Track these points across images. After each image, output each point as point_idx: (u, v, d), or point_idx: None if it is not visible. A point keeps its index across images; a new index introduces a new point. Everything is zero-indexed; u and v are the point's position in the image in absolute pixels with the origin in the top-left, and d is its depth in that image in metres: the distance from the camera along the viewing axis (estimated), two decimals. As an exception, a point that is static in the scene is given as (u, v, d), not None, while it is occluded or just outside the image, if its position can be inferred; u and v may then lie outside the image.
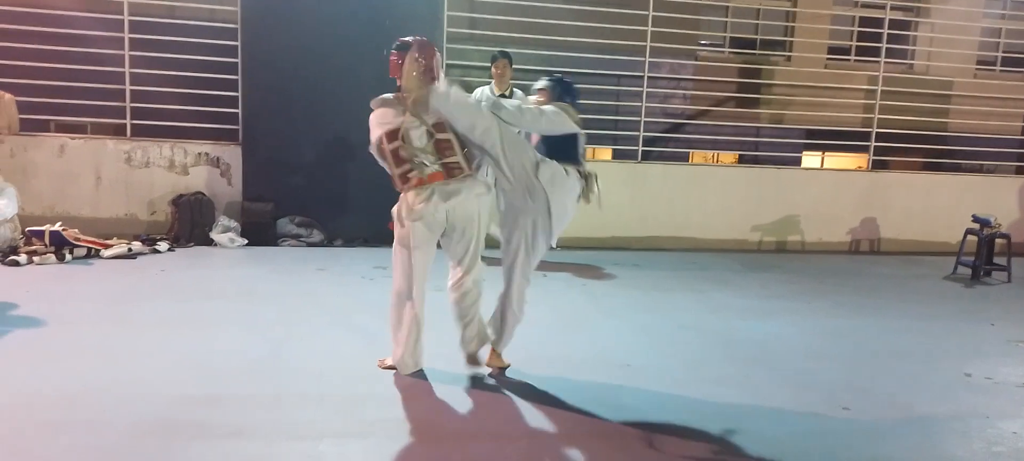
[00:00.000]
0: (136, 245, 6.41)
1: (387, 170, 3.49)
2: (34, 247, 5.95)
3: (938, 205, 8.63)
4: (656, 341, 4.52)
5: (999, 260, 7.18)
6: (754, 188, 8.34)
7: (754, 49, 11.03)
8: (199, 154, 7.31)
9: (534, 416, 3.24)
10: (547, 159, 3.55)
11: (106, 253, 6.16)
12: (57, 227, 6.13)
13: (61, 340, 3.98)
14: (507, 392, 3.50)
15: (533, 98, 3.79)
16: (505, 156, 3.48)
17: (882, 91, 8.67)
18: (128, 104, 7.30)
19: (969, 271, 7.13)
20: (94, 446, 2.75)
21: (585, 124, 3.79)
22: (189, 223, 6.94)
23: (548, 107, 3.62)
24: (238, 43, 7.17)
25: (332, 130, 7.19)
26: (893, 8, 8.98)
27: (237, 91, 7.24)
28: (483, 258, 3.65)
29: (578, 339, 4.47)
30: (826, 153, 11.52)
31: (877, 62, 8.79)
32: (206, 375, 3.52)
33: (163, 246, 6.58)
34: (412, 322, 3.55)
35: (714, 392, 3.63)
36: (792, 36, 10.77)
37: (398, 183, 3.45)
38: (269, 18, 7.09)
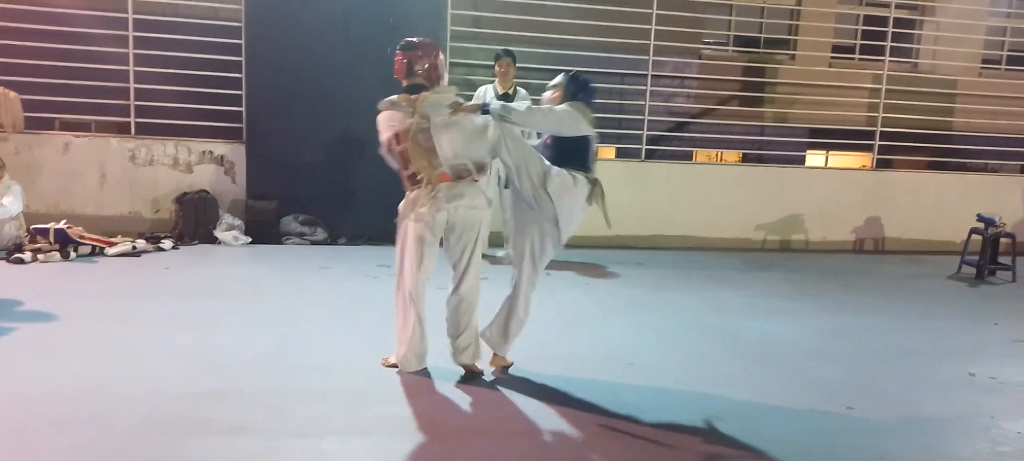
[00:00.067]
0: (140, 243, 6.42)
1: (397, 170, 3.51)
2: (39, 245, 5.96)
3: (942, 204, 8.61)
4: (660, 340, 4.51)
5: (1004, 260, 7.16)
6: (758, 187, 8.33)
7: (758, 48, 11.00)
8: (203, 152, 7.32)
9: (537, 414, 3.24)
10: (555, 170, 3.48)
11: (110, 251, 6.17)
12: (62, 225, 6.15)
13: (65, 337, 3.99)
14: (510, 390, 3.50)
15: (547, 95, 3.71)
16: (514, 166, 3.47)
17: (886, 90, 8.64)
18: (132, 102, 7.32)
19: (973, 271, 7.11)
20: (98, 442, 2.76)
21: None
22: (193, 221, 6.95)
23: (560, 107, 3.53)
24: (242, 41, 7.18)
25: (336, 128, 7.19)
26: (898, 7, 8.96)
27: (241, 89, 7.25)
28: (484, 256, 3.65)
29: (581, 338, 4.47)
30: (830, 152, 11.49)
31: (882, 61, 8.77)
32: (210, 372, 3.52)
33: (167, 244, 6.59)
34: (415, 321, 3.55)
35: (717, 391, 3.63)
36: (796, 35, 10.74)
37: (407, 183, 3.48)
38: (273, 17, 7.09)
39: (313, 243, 7.13)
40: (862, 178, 8.82)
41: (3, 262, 5.71)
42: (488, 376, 3.67)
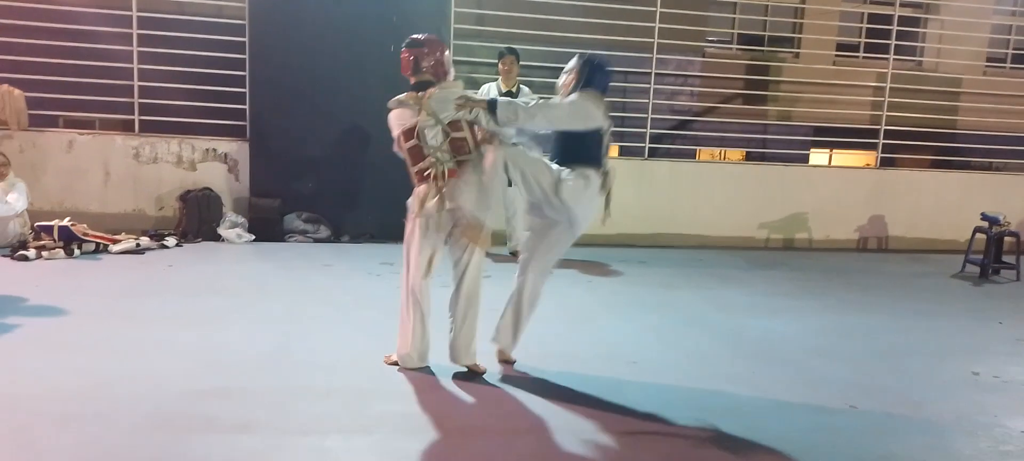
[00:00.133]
0: (144, 240, 6.44)
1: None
2: (43, 242, 5.98)
3: (947, 203, 8.59)
4: (662, 338, 4.51)
5: (1008, 258, 7.14)
6: (761, 185, 8.31)
7: (762, 45, 10.98)
8: (207, 150, 7.33)
9: (540, 412, 3.24)
10: (565, 173, 3.41)
11: (114, 248, 6.19)
12: (66, 222, 6.16)
13: (69, 334, 4.01)
14: (513, 388, 3.50)
15: (561, 81, 3.63)
16: (523, 181, 3.43)
17: (891, 88, 8.62)
18: (136, 100, 7.33)
19: (977, 269, 7.09)
20: (102, 439, 2.77)
21: None
22: (197, 219, 6.97)
23: (567, 100, 3.45)
24: (246, 39, 7.20)
25: (340, 126, 7.20)
26: (902, 5, 8.93)
27: (245, 87, 7.27)
28: (489, 255, 3.65)
29: (584, 336, 4.47)
30: (834, 150, 11.47)
31: (886, 59, 8.75)
32: (213, 370, 3.53)
33: (171, 241, 6.60)
34: (418, 318, 3.56)
35: (720, 389, 3.63)
36: (800, 32, 10.71)
37: (416, 179, 3.50)
38: (277, 14, 7.11)
39: (316, 241, 7.14)
40: (866, 177, 8.80)
41: (8, 259, 5.73)
42: (490, 374, 3.67)
